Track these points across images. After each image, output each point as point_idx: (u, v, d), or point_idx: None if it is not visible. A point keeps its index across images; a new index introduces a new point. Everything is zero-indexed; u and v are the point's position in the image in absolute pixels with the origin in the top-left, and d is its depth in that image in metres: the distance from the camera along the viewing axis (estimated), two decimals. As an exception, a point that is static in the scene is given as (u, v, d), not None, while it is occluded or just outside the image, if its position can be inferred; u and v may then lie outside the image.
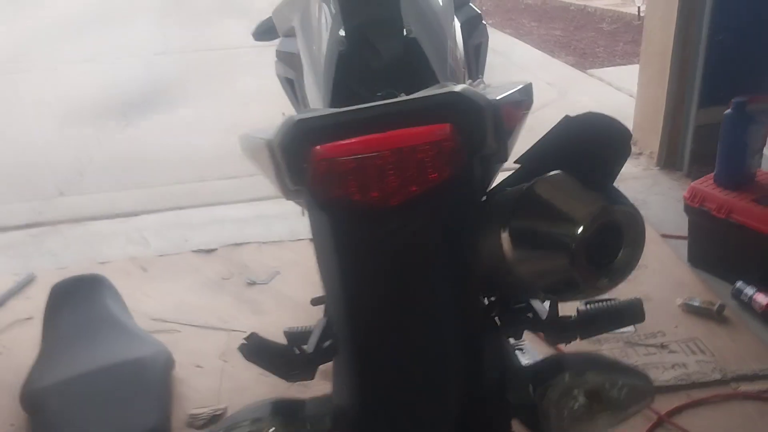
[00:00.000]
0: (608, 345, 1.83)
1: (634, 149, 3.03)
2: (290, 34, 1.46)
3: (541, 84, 4.33)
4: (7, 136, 3.96)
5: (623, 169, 2.61)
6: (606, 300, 1.01)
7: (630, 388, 0.69)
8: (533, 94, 0.90)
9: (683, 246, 2.23)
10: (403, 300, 0.72)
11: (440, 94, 0.70)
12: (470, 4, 1.52)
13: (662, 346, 1.81)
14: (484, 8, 7.12)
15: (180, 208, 2.85)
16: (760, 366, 1.72)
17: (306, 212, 1.20)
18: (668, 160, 2.80)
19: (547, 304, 1.07)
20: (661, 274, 2.13)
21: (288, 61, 1.49)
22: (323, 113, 0.71)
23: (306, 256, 2.42)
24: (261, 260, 2.38)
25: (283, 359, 1.05)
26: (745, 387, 1.67)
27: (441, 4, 1.16)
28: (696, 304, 1.93)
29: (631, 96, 3.50)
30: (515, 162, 0.86)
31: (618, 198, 0.73)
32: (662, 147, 2.81)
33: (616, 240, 0.72)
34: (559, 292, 0.75)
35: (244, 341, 1.06)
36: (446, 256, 0.71)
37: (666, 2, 2.69)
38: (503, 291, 0.86)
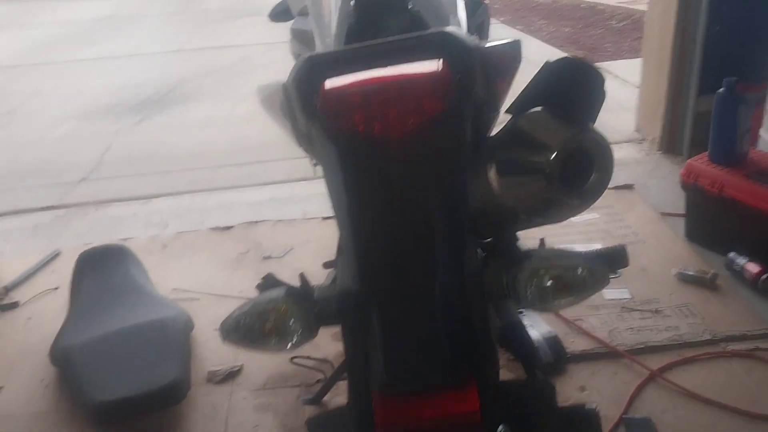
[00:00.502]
0: (606, 310, 1.92)
1: (637, 136, 3.13)
2: (303, 13, 1.57)
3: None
4: (28, 129, 4.12)
5: (627, 154, 2.71)
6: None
7: (589, 272, 0.78)
8: (521, 51, 0.99)
9: (681, 223, 2.32)
10: (400, 219, 0.81)
11: (434, 32, 0.80)
12: (474, -10, 1.62)
13: (656, 311, 1.90)
14: (496, 6, 7.23)
15: (196, 192, 2.97)
16: (749, 328, 1.80)
17: (316, 163, 1.30)
18: (669, 146, 2.88)
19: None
20: (658, 249, 2.22)
21: (302, 38, 1.60)
22: (332, 50, 0.81)
23: (318, 234, 2.55)
24: (275, 237, 2.49)
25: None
26: (733, 346, 1.75)
27: None
28: (690, 273, 2.02)
29: (636, 87, 3.58)
30: (506, 112, 0.96)
31: (589, 129, 0.83)
32: (664, 133, 2.90)
33: (587, 166, 0.82)
34: (538, 213, 0.85)
35: (262, 280, 1.17)
36: (440, 186, 0.81)
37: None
38: (494, 224, 0.96)
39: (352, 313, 0.79)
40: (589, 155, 0.82)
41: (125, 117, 4.19)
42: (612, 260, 1.21)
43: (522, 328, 1.28)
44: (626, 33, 5.64)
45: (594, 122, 0.89)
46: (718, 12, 2.64)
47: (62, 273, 2.26)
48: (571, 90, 0.85)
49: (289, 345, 0.83)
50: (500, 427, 0.76)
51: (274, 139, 3.45)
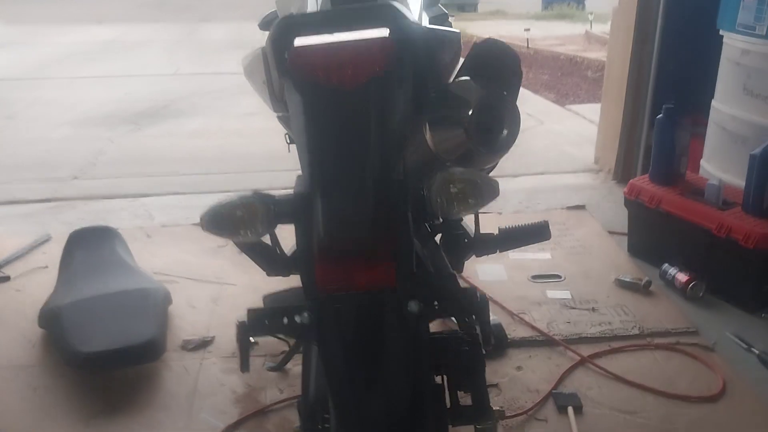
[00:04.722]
0: (547, 306, 2.11)
1: (595, 166, 3.37)
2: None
3: (522, 115, 4.69)
4: (26, 131, 4.31)
5: (584, 181, 2.94)
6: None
7: (486, 183, 0.98)
8: (461, 39, 1.22)
9: (626, 241, 2.53)
10: (347, 143, 1.00)
11: (380, 4, 1.02)
12: (439, 5, 1.86)
13: (593, 309, 2.10)
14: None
15: (183, 194, 3.16)
16: (674, 325, 2.01)
17: (290, 141, 1.51)
18: (623, 175, 3.13)
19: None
20: (601, 259, 2.43)
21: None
22: (302, 14, 1.03)
23: (290, 234, 2.73)
24: (253, 234, 2.67)
25: (267, 256, 1.33)
26: (658, 340, 1.95)
27: None
28: (627, 279, 2.23)
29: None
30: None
31: (501, 94, 1.05)
32: (618, 164, 3.15)
33: (499, 124, 1.04)
34: (464, 162, 1.05)
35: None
36: (380, 123, 1.01)
37: (624, 41, 3.08)
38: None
39: (303, 213, 0.99)
40: (500, 115, 1.03)
41: (120, 126, 4.40)
42: (536, 234, 1.42)
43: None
44: (599, 82, 5.95)
45: (512, 94, 1.12)
46: (668, 55, 2.94)
47: (52, 255, 2.42)
48: (491, 64, 1.07)
49: (254, 235, 1.03)
50: (410, 303, 0.95)
51: (258, 152, 3.68)
